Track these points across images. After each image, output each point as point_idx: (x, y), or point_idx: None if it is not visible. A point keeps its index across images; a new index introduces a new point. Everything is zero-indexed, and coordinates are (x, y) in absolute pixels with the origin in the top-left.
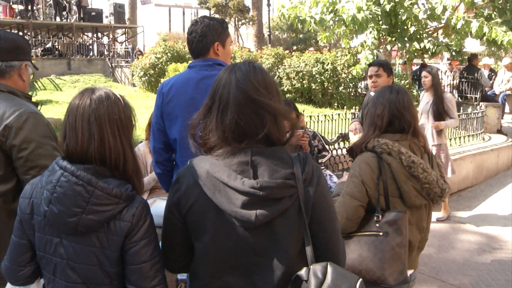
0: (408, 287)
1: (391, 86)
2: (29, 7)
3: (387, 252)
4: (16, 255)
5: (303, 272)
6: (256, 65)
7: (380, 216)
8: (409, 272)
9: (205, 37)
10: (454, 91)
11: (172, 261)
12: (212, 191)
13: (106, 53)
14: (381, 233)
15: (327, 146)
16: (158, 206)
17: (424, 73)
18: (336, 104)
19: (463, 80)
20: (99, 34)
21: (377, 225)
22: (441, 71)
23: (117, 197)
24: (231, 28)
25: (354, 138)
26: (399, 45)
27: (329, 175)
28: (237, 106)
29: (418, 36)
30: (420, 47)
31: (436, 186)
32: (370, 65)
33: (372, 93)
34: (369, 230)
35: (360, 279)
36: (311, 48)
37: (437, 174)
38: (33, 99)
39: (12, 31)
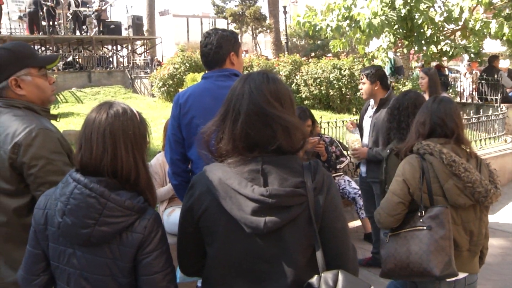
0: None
1: (436, 97)
2: (51, 23)
3: (431, 245)
4: (31, 264)
5: (314, 280)
6: (270, 75)
7: (423, 212)
8: (463, 275)
9: (221, 48)
10: (474, 93)
11: (186, 265)
12: (224, 198)
13: (125, 64)
14: (424, 227)
15: (345, 152)
16: (177, 214)
17: (421, 74)
18: (354, 110)
19: (483, 81)
20: (119, 46)
21: (421, 220)
22: (461, 73)
23: (129, 209)
24: (248, 37)
25: (351, 136)
26: (416, 48)
27: (348, 180)
28: (248, 117)
29: (435, 39)
30: (437, 50)
31: (479, 185)
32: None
33: (372, 101)
34: (414, 226)
35: (372, 287)
36: (329, 54)
37: (486, 177)
38: (55, 112)
39: (35, 46)
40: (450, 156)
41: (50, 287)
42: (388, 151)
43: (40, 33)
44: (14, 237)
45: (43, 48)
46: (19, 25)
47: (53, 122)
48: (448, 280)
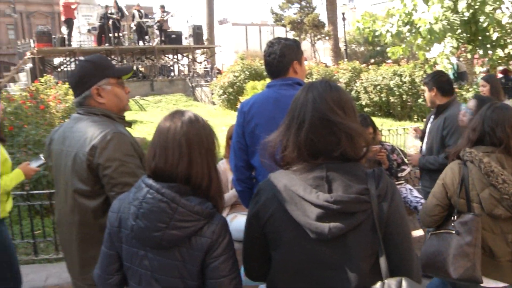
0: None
1: (492, 103)
2: (116, 34)
3: (456, 249)
4: (106, 264)
5: (377, 286)
6: (332, 83)
7: (457, 217)
8: (502, 284)
9: (285, 57)
10: None
11: (252, 269)
12: (289, 204)
13: (186, 73)
14: (453, 232)
15: (406, 160)
16: (238, 221)
17: (482, 82)
18: (415, 117)
19: None
20: (179, 55)
21: (452, 224)
22: None
23: (198, 214)
24: (307, 44)
25: (410, 142)
26: (481, 52)
27: (409, 189)
28: (312, 125)
29: (502, 43)
30: (504, 53)
31: None
32: None
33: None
34: (446, 229)
35: None
36: (389, 61)
37: None
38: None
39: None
40: (489, 165)
41: (123, 286)
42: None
43: (106, 44)
44: (90, 236)
45: (108, 59)
46: (87, 38)
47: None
48: (484, 286)
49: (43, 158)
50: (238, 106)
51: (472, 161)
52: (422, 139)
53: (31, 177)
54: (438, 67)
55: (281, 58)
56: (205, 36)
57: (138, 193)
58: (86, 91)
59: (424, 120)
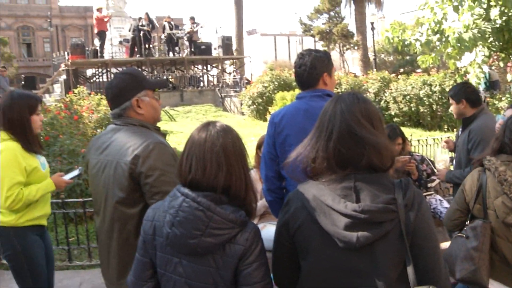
0: None
1: None
2: (147, 46)
3: (462, 252)
4: (139, 271)
5: None
6: (359, 96)
7: (469, 221)
8: None
9: (315, 68)
10: None
11: (281, 278)
12: (318, 213)
13: (215, 83)
14: (464, 236)
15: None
16: (268, 230)
17: None
18: (446, 127)
19: None
20: (209, 66)
21: (465, 228)
22: None
23: (232, 222)
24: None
25: (439, 156)
26: None
27: (439, 200)
28: (340, 137)
29: None
30: None
31: None
32: None
33: None
34: (460, 232)
35: None
36: (419, 70)
37: None
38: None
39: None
40: (504, 174)
41: None
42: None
43: (137, 55)
44: (129, 243)
45: (139, 70)
46: (119, 49)
47: None
48: None
49: (79, 170)
50: (268, 116)
51: (489, 169)
52: (453, 151)
53: (64, 188)
54: (469, 76)
55: (311, 70)
56: (234, 47)
57: (173, 202)
58: (126, 103)
59: (455, 130)
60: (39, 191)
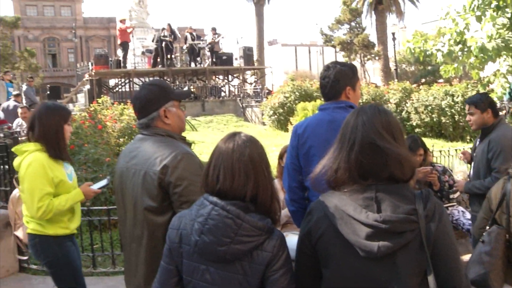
0: None
1: None
2: (169, 56)
3: (474, 255)
4: (165, 279)
5: None
6: (381, 108)
7: (489, 227)
8: None
9: (338, 82)
10: None
11: (304, 286)
12: (339, 223)
13: (236, 93)
14: (481, 240)
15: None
16: (290, 240)
17: None
18: (468, 138)
19: None
20: (230, 76)
21: (484, 234)
22: None
23: (260, 229)
24: (357, 64)
25: (457, 167)
26: None
27: (462, 211)
28: (362, 148)
29: None
30: None
31: None
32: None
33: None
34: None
35: None
36: (441, 80)
37: None
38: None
39: (155, 78)
40: None
41: None
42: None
43: (160, 66)
44: (156, 250)
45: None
46: (141, 60)
47: None
48: None
49: (107, 180)
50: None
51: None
52: (470, 162)
53: (91, 197)
54: (493, 86)
55: (334, 83)
56: (255, 57)
57: (202, 210)
58: (154, 113)
59: None
60: (68, 201)
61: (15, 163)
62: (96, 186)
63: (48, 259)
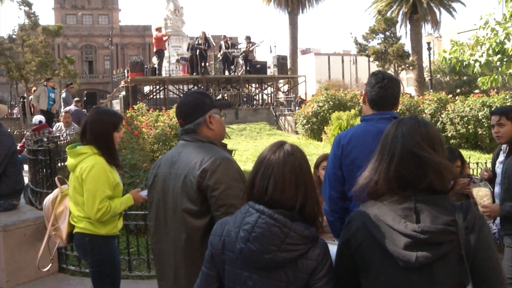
0: None
1: None
2: (203, 64)
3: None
4: (206, 284)
5: None
6: (420, 119)
7: None
8: None
9: (398, 93)
10: None
11: None
12: (378, 233)
13: (270, 102)
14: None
15: (481, 210)
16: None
17: None
18: None
19: None
20: (264, 85)
21: None
22: None
23: (306, 238)
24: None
25: (479, 191)
26: None
27: (497, 224)
28: (401, 159)
29: None
30: None
31: None
32: (491, 113)
33: (504, 146)
34: None
35: None
36: (477, 91)
37: None
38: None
39: (189, 85)
40: None
41: None
42: None
43: (194, 73)
44: (194, 253)
45: (195, 88)
46: (176, 67)
47: None
48: None
49: None
50: (322, 136)
51: None
52: (490, 181)
53: (139, 203)
54: None
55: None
56: (288, 66)
57: (247, 218)
58: (200, 118)
59: None
60: (122, 204)
61: (70, 163)
62: (144, 193)
63: (95, 258)
